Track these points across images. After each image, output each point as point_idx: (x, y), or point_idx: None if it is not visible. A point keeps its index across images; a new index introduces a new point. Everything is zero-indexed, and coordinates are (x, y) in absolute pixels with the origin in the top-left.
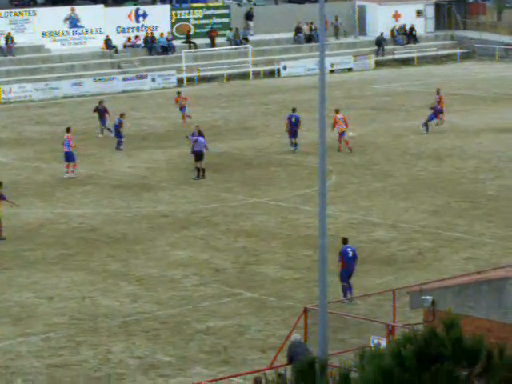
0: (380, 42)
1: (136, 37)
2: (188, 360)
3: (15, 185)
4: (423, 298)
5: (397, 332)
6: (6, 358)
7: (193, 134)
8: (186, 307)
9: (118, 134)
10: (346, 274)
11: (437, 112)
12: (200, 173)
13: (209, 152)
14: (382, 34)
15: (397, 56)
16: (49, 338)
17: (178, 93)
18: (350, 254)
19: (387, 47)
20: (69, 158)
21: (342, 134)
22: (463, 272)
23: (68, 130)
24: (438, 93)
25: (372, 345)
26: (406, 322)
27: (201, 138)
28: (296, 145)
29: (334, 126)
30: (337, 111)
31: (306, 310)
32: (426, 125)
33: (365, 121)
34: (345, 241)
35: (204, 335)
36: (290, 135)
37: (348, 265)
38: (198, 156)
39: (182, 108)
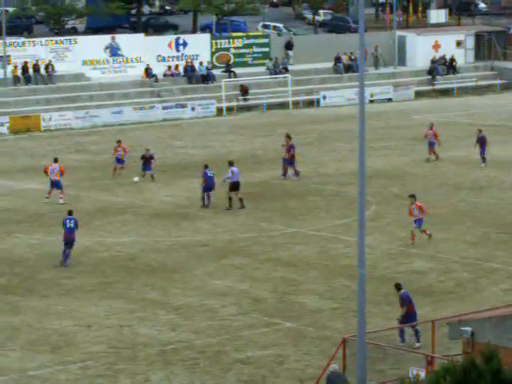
0: (432, 71)
1: (176, 66)
2: None
3: (54, 213)
4: (462, 329)
5: (436, 363)
6: None
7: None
8: (225, 336)
9: (148, 167)
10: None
11: (431, 145)
12: (242, 203)
13: (245, 182)
14: (434, 62)
15: (436, 86)
16: (87, 366)
17: (118, 142)
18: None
19: (426, 78)
20: (58, 185)
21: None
22: (502, 303)
23: (56, 160)
24: (431, 127)
25: (411, 376)
26: (445, 353)
27: (234, 169)
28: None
29: (288, 151)
30: (289, 137)
31: (344, 341)
32: (483, 159)
33: (404, 151)
34: (400, 286)
35: (242, 365)
36: (291, 164)
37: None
38: (234, 187)
39: (119, 159)
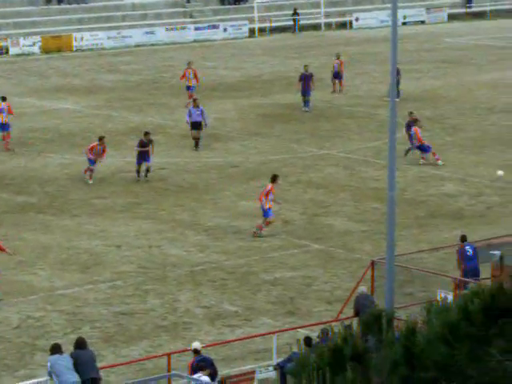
0: None
1: None
2: (254, 310)
3: (87, 133)
4: (491, 252)
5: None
6: (73, 305)
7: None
8: (254, 258)
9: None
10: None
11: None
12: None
13: (276, 103)
14: None
15: (470, 9)
16: (116, 285)
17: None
18: (470, 253)
19: (459, 0)
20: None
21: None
22: None
23: (3, 98)
24: (338, 57)
25: (439, 299)
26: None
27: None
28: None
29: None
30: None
31: (373, 263)
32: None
33: (436, 74)
34: (463, 238)
35: (271, 286)
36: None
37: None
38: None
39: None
